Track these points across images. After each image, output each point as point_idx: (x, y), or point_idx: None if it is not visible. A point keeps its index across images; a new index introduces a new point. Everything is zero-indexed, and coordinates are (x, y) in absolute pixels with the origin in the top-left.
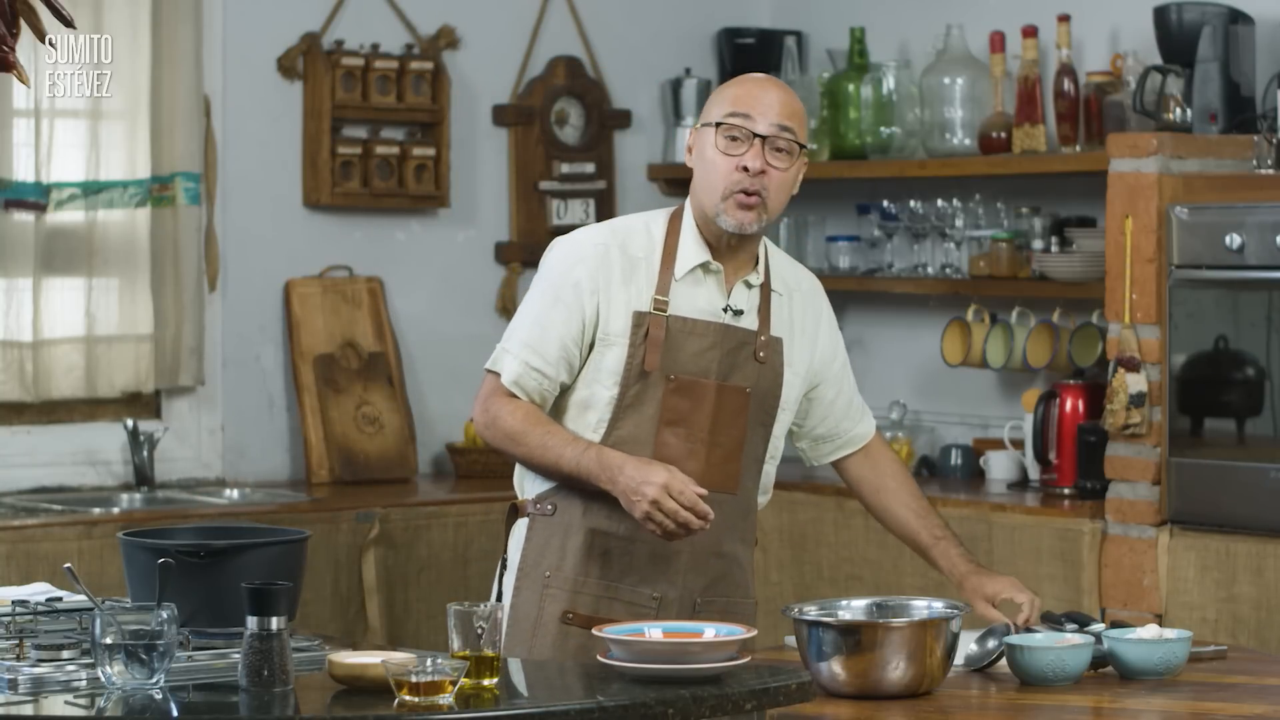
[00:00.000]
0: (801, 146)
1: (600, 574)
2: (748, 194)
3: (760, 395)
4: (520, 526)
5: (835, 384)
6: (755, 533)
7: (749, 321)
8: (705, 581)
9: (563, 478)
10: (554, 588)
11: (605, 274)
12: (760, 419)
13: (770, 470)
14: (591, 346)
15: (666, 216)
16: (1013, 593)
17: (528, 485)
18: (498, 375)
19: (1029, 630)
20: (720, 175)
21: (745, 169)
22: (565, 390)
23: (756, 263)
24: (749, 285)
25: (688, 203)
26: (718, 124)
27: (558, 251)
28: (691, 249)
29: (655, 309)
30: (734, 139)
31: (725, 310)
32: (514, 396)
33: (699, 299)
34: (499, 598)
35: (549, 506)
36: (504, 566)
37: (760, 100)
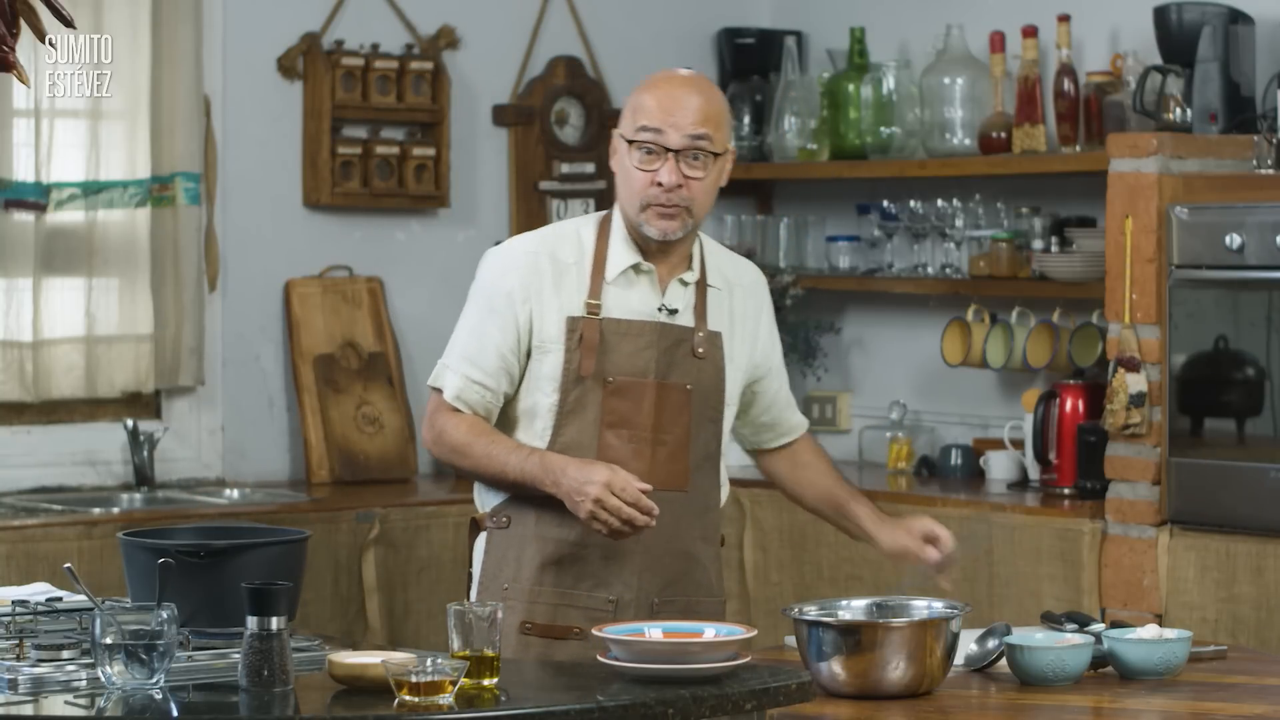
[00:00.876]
0: (720, 153)
1: (555, 582)
2: (666, 205)
3: (703, 391)
4: (480, 541)
5: (778, 376)
6: (718, 530)
7: (685, 319)
8: (662, 582)
9: (511, 486)
10: (512, 599)
11: (536, 281)
12: (707, 415)
13: (722, 466)
14: (529, 355)
15: (596, 222)
16: (930, 526)
17: (484, 499)
18: (440, 392)
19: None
20: (637, 189)
21: (660, 184)
22: (511, 401)
23: (691, 261)
24: (684, 283)
25: (616, 207)
26: (630, 141)
27: (489, 263)
28: (622, 252)
29: (588, 313)
30: (648, 153)
31: (660, 310)
32: (458, 411)
33: (632, 300)
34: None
35: (504, 519)
36: (469, 581)
37: (672, 111)
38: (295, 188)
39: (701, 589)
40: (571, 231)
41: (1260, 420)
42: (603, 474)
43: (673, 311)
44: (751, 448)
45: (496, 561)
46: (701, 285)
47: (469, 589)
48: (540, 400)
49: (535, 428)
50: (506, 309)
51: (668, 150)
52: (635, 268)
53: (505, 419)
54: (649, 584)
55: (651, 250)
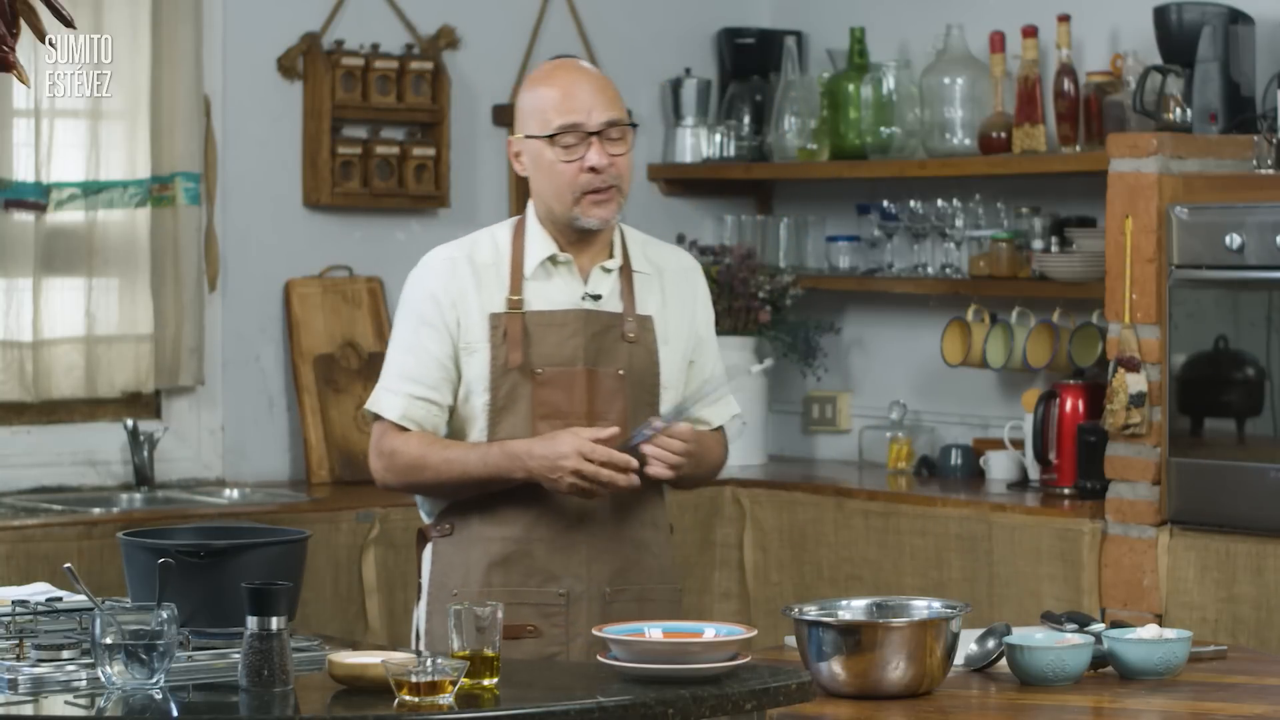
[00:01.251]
0: (633, 125)
1: (504, 581)
2: (600, 190)
3: (636, 375)
4: (427, 552)
5: (701, 364)
6: (665, 518)
7: (611, 305)
8: (611, 570)
9: (476, 487)
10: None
11: (457, 285)
12: (644, 399)
13: None
14: (459, 362)
15: (510, 225)
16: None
17: (424, 509)
18: (380, 419)
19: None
20: (567, 181)
21: (593, 169)
22: (452, 414)
23: (611, 249)
24: (606, 270)
25: (530, 208)
26: (550, 137)
27: (410, 280)
28: (538, 246)
29: (510, 308)
30: (570, 146)
31: (584, 297)
32: (405, 430)
33: (553, 291)
34: (415, 628)
35: (446, 526)
36: (419, 592)
37: (581, 100)
38: (295, 188)
39: (654, 576)
40: (486, 236)
41: (1260, 420)
42: (570, 442)
43: (596, 297)
44: None
45: (443, 569)
46: (627, 271)
47: (418, 600)
48: (474, 402)
49: (472, 433)
50: (436, 316)
51: (589, 135)
52: (552, 259)
53: (449, 433)
54: (599, 574)
55: (570, 242)
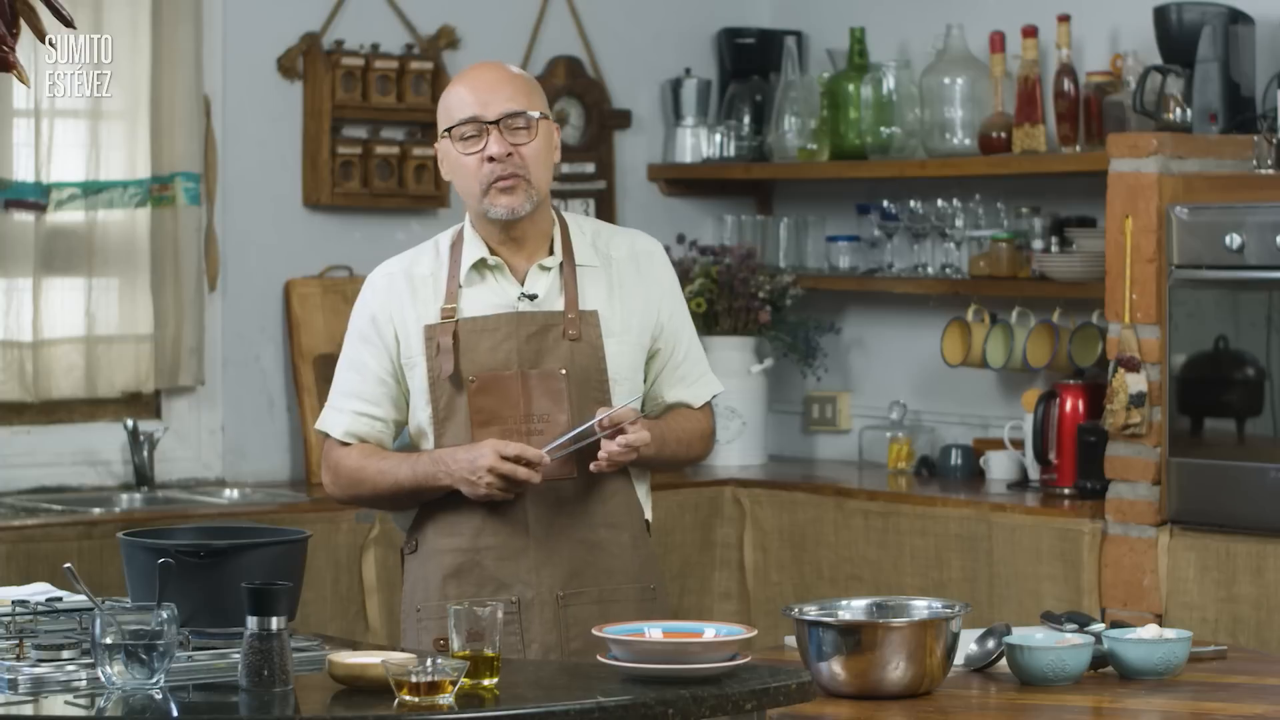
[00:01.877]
0: (540, 116)
1: (458, 593)
2: (503, 179)
3: (580, 373)
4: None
5: (671, 348)
6: (634, 514)
7: (550, 303)
8: (564, 574)
9: (410, 497)
10: (425, 619)
11: (395, 301)
12: (592, 396)
13: None
14: (403, 374)
15: (454, 232)
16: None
17: (399, 529)
18: (328, 436)
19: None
20: (472, 174)
21: (491, 158)
22: (401, 429)
23: (551, 245)
24: (544, 268)
25: (467, 216)
26: (449, 131)
27: (357, 300)
28: (470, 251)
29: (443, 318)
30: (470, 138)
31: (520, 298)
32: (349, 445)
33: (488, 296)
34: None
35: (413, 544)
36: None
37: (479, 93)
38: (295, 188)
39: (615, 577)
40: (430, 246)
41: (1260, 420)
42: (486, 446)
43: (532, 297)
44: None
45: (411, 587)
46: (569, 267)
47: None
48: (420, 416)
49: (425, 446)
50: (374, 335)
51: (486, 124)
52: (482, 263)
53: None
54: (549, 578)
55: (502, 243)
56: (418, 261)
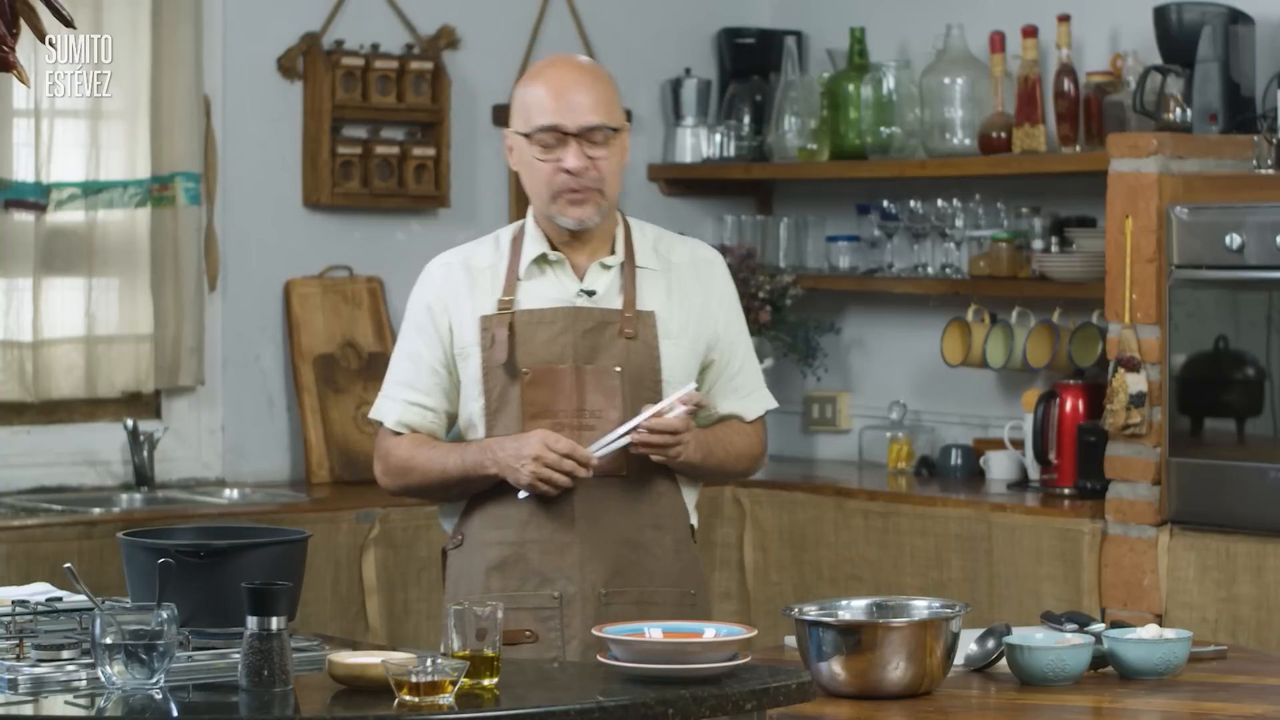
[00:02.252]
0: (616, 129)
1: (501, 586)
2: (576, 190)
3: (635, 372)
4: (446, 567)
5: (727, 359)
6: (678, 518)
7: (609, 301)
8: (607, 572)
9: (457, 487)
10: None
11: (451, 291)
12: (645, 396)
13: None
14: (455, 368)
15: (516, 226)
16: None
17: (445, 525)
18: (382, 425)
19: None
20: (544, 180)
21: (568, 171)
22: (454, 421)
23: (614, 245)
24: (605, 266)
25: (530, 209)
26: (527, 135)
27: (413, 290)
28: (532, 246)
29: (500, 309)
30: (548, 145)
31: (579, 294)
32: (400, 435)
33: (548, 290)
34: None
35: (459, 538)
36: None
37: (564, 96)
38: (295, 188)
39: (656, 579)
40: (490, 240)
41: (1260, 420)
42: (534, 436)
43: (591, 293)
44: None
45: (455, 581)
46: (629, 267)
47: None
48: (472, 407)
49: (474, 437)
50: (429, 324)
51: (567, 135)
52: (543, 258)
53: (452, 439)
54: (593, 575)
55: (564, 240)
56: (476, 253)
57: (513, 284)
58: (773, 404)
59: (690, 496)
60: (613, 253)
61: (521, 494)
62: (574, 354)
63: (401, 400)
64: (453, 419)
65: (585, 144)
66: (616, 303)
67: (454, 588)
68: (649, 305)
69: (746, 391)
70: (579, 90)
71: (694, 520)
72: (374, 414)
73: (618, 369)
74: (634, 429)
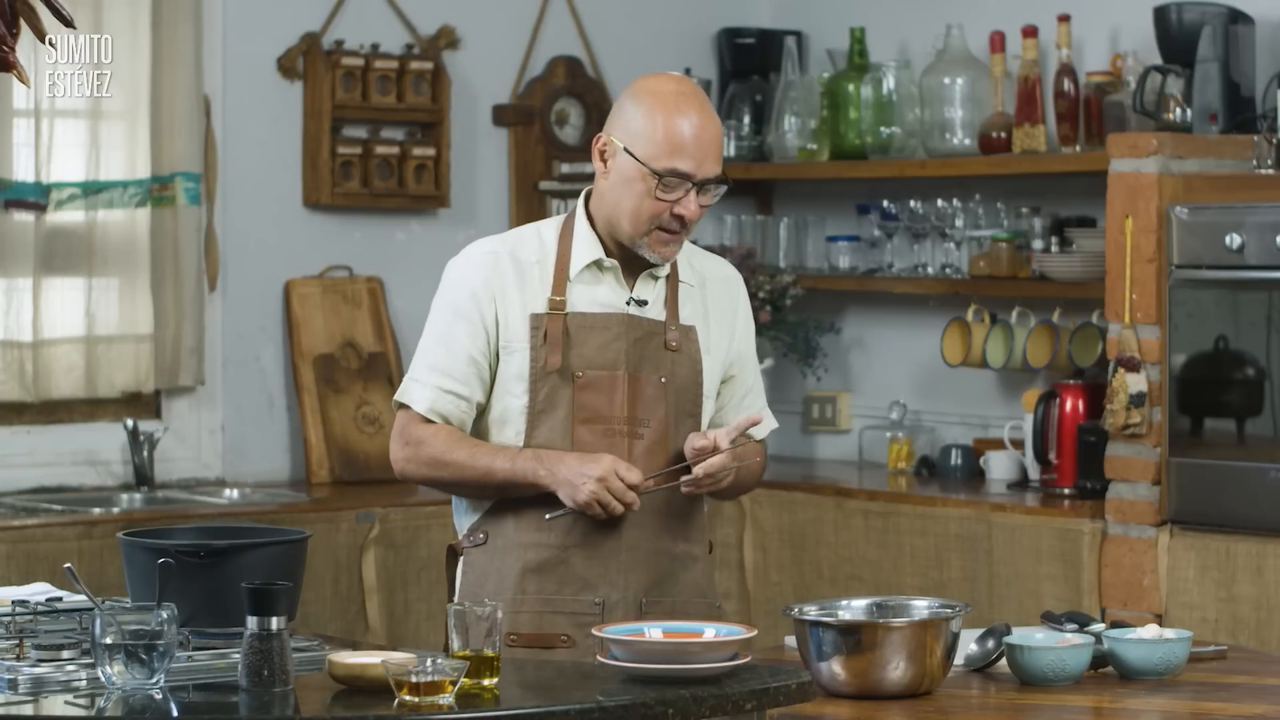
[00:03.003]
0: (724, 181)
1: (538, 589)
2: (672, 231)
3: (679, 384)
4: (460, 565)
5: (743, 381)
6: (705, 533)
7: (655, 312)
8: (649, 581)
9: (496, 490)
10: None
11: (499, 280)
12: (686, 409)
13: None
14: (497, 357)
15: (558, 222)
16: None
17: (462, 520)
18: (407, 408)
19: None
20: (647, 214)
21: (679, 216)
22: (481, 411)
23: None
24: (654, 277)
25: (579, 206)
26: (658, 174)
27: (450, 270)
28: (585, 248)
29: (552, 309)
30: (670, 187)
31: (629, 303)
32: (431, 423)
33: (599, 295)
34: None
35: (480, 536)
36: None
37: (699, 147)
38: (295, 188)
39: (691, 590)
40: (532, 233)
41: (1260, 420)
42: (605, 458)
43: (642, 303)
44: None
45: (477, 579)
46: (673, 280)
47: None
48: (510, 403)
49: (507, 433)
50: (473, 310)
51: (692, 183)
52: (598, 264)
53: (475, 430)
54: (636, 584)
55: (618, 249)
56: (521, 246)
57: (563, 283)
58: (775, 425)
59: (706, 512)
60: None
61: (549, 515)
62: (626, 361)
63: (434, 386)
64: (480, 410)
65: (704, 193)
66: (661, 314)
67: (476, 588)
68: (689, 320)
69: (757, 410)
70: (714, 141)
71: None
72: (401, 397)
73: (663, 380)
74: (686, 468)
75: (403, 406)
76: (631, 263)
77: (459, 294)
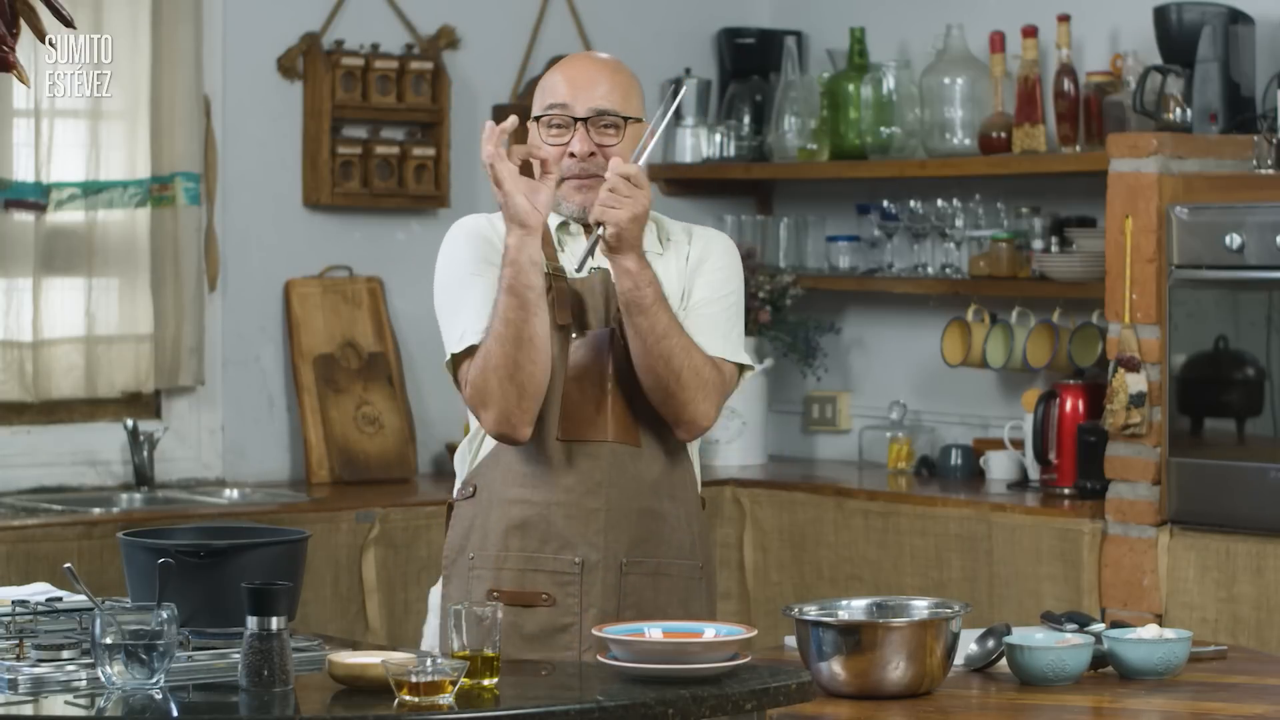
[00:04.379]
0: (629, 119)
1: (520, 546)
2: (581, 177)
3: None
4: (451, 518)
5: (701, 299)
6: (691, 490)
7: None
8: (629, 541)
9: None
10: (479, 568)
11: (499, 240)
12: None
13: None
14: None
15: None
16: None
17: (459, 470)
18: (465, 357)
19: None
20: (552, 162)
21: (573, 154)
22: None
23: None
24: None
25: None
26: (539, 117)
27: (451, 235)
28: (552, 220)
29: (554, 271)
30: (558, 127)
31: (594, 270)
32: None
33: (566, 260)
34: (429, 603)
35: (470, 489)
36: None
37: (577, 83)
38: (295, 188)
39: (672, 550)
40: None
41: (1260, 420)
42: (503, 178)
43: (595, 267)
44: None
45: (463, 531)
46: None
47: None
48: None
49: None
50: (488, 269)
51: (575, 120)
52: (565, 226)
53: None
54: (615, 543)
55: (577, 221)
56: (495, 222)
57: (551, 250)
58: (744, 359)
59: (697, 467)
60: None
61: (579, 268)
62: (608, 319)
63: (484, 331)
64: None
65: (594, 130)
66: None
67: (462, 538)
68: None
69: (720, 334)
70: (593, 77)
71: (699, 489)
72: (457, 346)
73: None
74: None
75: (457, 365)
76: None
77: (474, 247)
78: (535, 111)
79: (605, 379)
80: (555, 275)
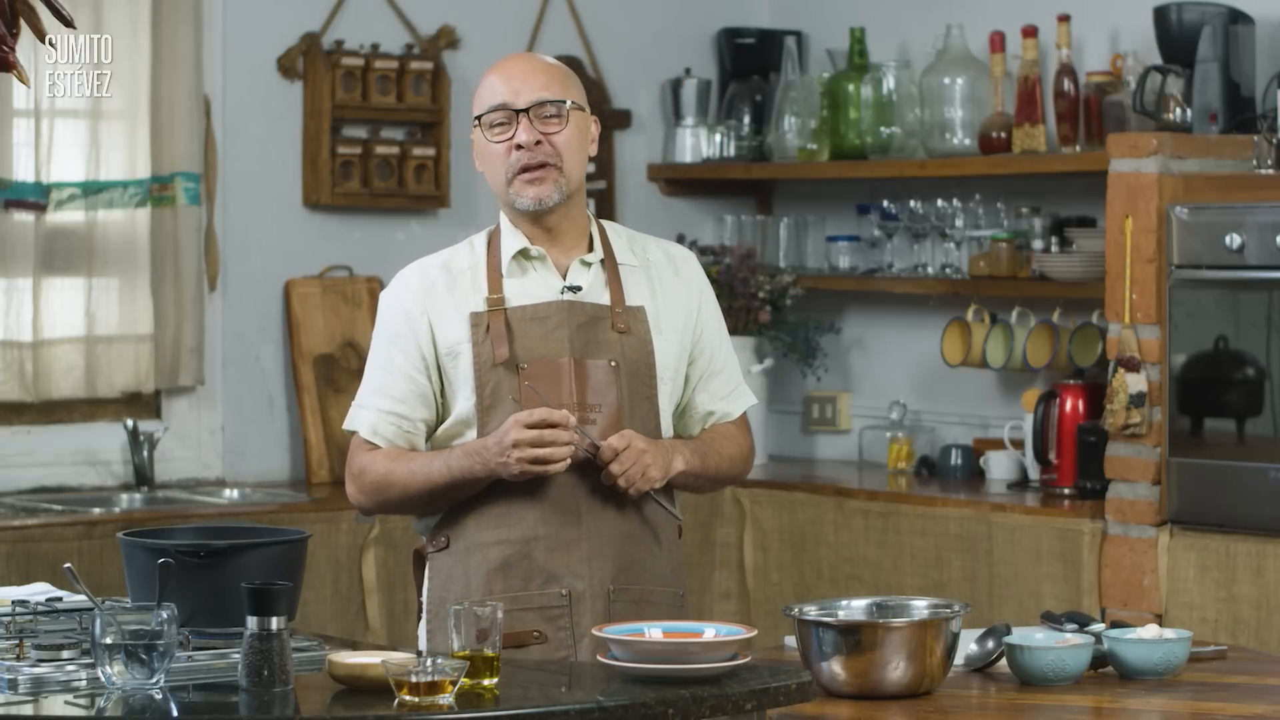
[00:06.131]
0: (572, 105)
1: (504, 588)
2: (529, 169)
3: (631, 366)
4: (426, 570)
5: (708, 357)
6: (670, 518)
7: (596, 297)
8: (614, 568)
9: (444, 495)
10: None
11: (428, 293)
12: (640, 391)
13: None
14: (439, 370)
15: (489, 231)
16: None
17: (420, 526)
18: (356, 436)
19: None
20: (499, 162)
21: (519, 146)
22: (441, 426)
23: (591, 242)
24: (586, 264)
25: (501, 211)
26: (479, 119)
27: (382, 297)
28: (511, 241)
29: (490, 306)
30: (500, 125)
31: (563, 291)
32: (375, 449)
33: (531, 287)
34: (419, 648)
35: (443, 540)
36: (420, 610)
37: (512, 80)
38: (295, 188)
39: (655, 578)
40: (465, 245)
41: (1260, 420)
42: (509, 420)
43: (576, 289)
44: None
45: (443, 583)
46: (610, 263)
47: (419, 617)
48: (463, 407)
49: (467, 439)
50: (406, 329)
51: (517, 112)
52: (524, 253)
53: (442, 446)
54: (601, 571)
55: (541, 237)
56: (454, 257)
57: (497, 280)
58: (754, 400)
59: (677, 495)
60: (591, 249)
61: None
62: (570, 349)
63: (375, 409)
64: (432, 428)
65: (537, 120)
66: (603, 298)
67: (442, 593)
68: (636, 301)
69: (728, 390)
70: (527, 71)
71: (679, 517)
72: (347, 424)
73: (613, 363)
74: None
75: (352, 432)
76: (565, 252)
77: (390, 315)
78: (475, 114)
79: (570, 409)
80: (493, 310)
